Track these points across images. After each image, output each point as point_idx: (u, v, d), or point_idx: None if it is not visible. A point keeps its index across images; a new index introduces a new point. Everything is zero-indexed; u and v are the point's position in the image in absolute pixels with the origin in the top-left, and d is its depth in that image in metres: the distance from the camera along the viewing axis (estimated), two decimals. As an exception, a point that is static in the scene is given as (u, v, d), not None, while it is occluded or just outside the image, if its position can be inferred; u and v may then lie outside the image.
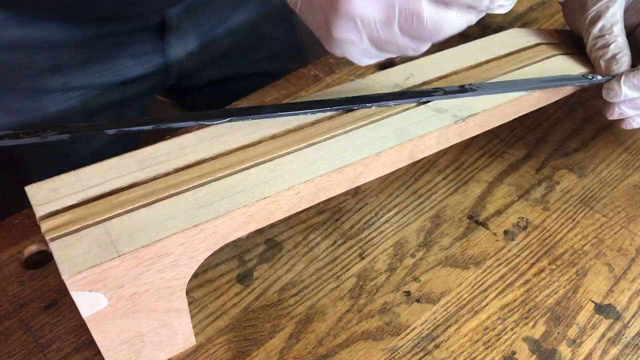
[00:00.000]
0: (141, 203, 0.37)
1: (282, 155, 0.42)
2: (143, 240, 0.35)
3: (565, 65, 0.54)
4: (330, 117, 0.45)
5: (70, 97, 0.63)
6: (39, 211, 0.36)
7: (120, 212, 0.36)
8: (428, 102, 0.47)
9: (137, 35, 0.65)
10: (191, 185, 0.39)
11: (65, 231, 0.35)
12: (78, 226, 0.35)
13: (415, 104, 0.47)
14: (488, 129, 0.50)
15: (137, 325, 0.38)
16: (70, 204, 0.37)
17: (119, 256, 0.34)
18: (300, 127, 0.44)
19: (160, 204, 0.37)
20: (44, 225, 0.35)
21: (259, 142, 0.43)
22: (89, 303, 0.34)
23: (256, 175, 0.40)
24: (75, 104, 0.63)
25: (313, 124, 0.45)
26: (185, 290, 0.39)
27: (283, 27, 0.81)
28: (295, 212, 0.42)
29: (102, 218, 0.36)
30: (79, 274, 0.33)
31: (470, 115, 0.46)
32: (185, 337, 0.43)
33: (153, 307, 0.38)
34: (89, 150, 0.69)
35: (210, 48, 0.73)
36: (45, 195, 0.37)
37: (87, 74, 0.63)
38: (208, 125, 0.43)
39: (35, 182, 0.38)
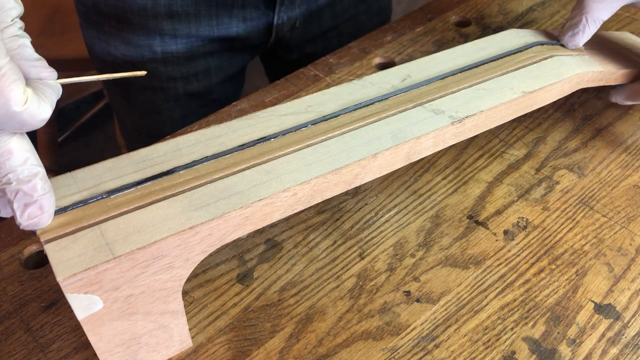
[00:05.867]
0: (136, 205, 0.37)
1: (278, 157, 0.42)
2: (138, 242, 0.35)
3: (562, 66, 0.53)
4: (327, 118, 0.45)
5: (176, 43, 0.72)
6: None
7: (116, 214, 0.36)
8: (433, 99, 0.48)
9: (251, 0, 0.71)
10: (187, 187, 0.39)
11: (60, 233, 0.35)
12: (73, 228, 0.35)
13: (411, 105, 0.47)
14: (485, 130, 0.50)
15: (133, 328, 0.38)
16: (65, 206, 0.37)
17: (114, 258, 0.34)
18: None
19: (155, 205, 0.37)
20: None
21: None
22: (84, 305, 0.35)
23: (252, 176, 0.40)
24: (179, 49, 0.73)
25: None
26: (181, 292, 0.39)
27: (378, 19, 0.88)
28: (291, 213, 0.42)
29: (97, 220, 0.36)
30: (74, 276, 0.33)
31: (467, 117, 0.46)
32: (181, 339, 0.43)
33: (149, 309, 0.38)
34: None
35: (313, 24, 0.80)
36: None
37: (196, 25, 0.71)
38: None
39: None
